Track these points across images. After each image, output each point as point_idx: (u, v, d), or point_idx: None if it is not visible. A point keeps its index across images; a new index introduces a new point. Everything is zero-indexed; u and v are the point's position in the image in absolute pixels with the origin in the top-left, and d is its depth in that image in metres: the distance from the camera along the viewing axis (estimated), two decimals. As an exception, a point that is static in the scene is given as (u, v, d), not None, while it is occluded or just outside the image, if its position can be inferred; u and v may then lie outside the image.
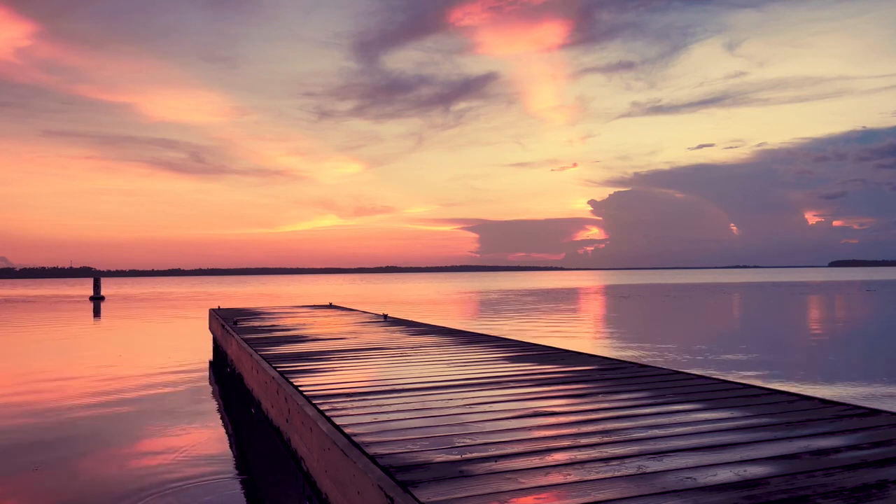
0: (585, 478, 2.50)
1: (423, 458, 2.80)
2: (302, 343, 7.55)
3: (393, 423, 3.47)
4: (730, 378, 4.98)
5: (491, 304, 32.76)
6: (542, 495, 2.32)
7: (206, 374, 11.29)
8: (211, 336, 13.57)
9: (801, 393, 4.12)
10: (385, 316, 11.37)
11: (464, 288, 61.93)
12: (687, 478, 2.48)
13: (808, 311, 26.10)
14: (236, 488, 5.31)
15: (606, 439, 3.08)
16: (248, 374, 6.54)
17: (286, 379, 4.96)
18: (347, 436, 3.21)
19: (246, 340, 7.76)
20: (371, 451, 2.91)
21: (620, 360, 5.76)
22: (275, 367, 5.56)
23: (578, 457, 2.79)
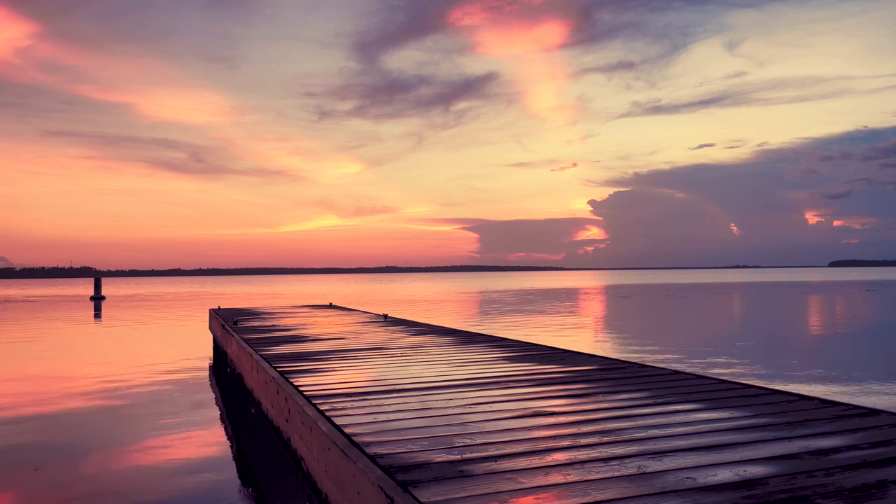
0: (585, 478, 2.51)
1: (423, 458, 2.80)
2: (302, 343, 7.55)
3: (393, 423, 3.47)
4: (730, 378, 4.98)
5: (491, 304, 32.75)
6: (542, 495, 2.32)
7: (207, 374, 11.29)
8: (211, 336, 13.57)
9: (801, 393, 4.11)
10: (385, 316, 11.37)
11: (464, 288, 61.92)
12: (687, 478, 2.48)
13: (807, 312, 26.09)
14: (236, 488, 5.31)
15: (606, 439, 3.08)
16: (248, 374, 6.54)
17: (286, 379, 4.96)
18: (347, 436, 3.21)
19: (246, 340, 7.76)
20: (371, 451, 2.91)
21: (620, 360, 5.76)
22: (275, 367, 5.57)
23: (578, 457, 2.79)
